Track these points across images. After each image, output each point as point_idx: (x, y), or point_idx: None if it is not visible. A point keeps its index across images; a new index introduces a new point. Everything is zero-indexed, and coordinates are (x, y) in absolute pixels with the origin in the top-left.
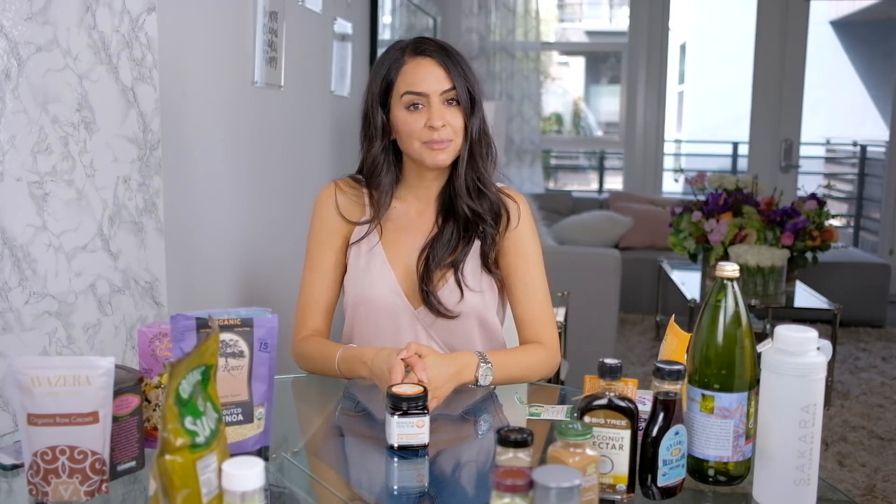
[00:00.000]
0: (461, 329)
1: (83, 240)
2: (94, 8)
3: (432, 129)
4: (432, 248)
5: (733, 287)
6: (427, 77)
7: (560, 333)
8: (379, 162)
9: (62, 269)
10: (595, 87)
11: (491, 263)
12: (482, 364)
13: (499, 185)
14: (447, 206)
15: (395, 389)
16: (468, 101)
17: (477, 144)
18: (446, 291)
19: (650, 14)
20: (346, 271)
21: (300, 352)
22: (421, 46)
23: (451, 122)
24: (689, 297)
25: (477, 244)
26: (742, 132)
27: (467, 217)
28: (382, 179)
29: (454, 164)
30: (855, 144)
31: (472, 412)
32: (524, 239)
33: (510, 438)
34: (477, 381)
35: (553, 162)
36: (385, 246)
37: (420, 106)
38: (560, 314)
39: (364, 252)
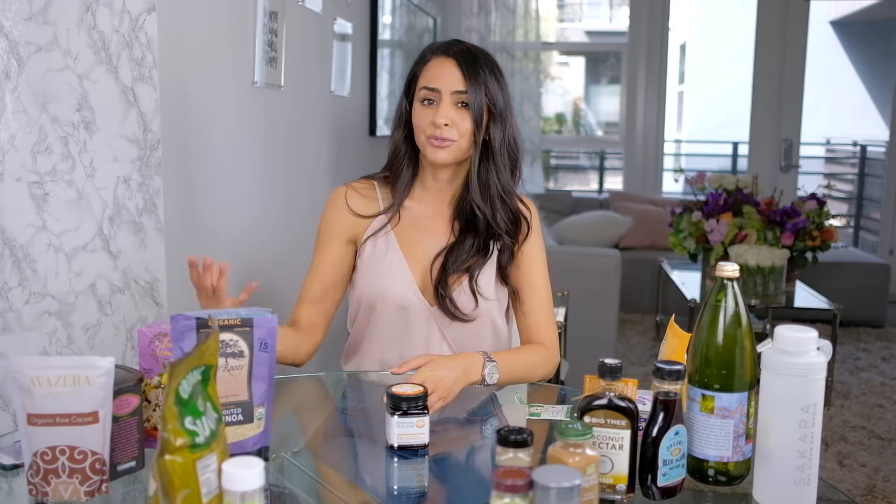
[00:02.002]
0: (474, 330)
1: (83, 240)
2: (94, 8)
3: (435, 125)
4: (450, 254)
5: (733, 287)
6: (443, 75)
7: (560, 333)
8: (401, 151)
9: (62, 269)
10: (595, 87)
11: (507, 276)
12: (488, 363)
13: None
14: (467, 212)
15: (395, 389)
16: (480, 109)
17: (500, 155)
18: (462, 296)
19: (650, 14)
20: (346, 270)
21: None
22: (447, 47)
23: (457, 123)
24: (689, 297)
25: (494, 254)
26: (742, 132)
27: (487, 224)
28: (403, 171)
29: (471, 167)
30: (855, 144)
31: (479, 414)
32: (535, 248)
33: (510, 438)
34: (484, 380)
35: (553, 162)
36: (401, 243)
37: (433, 102)
38: (560, 314)
39: (380, 244)
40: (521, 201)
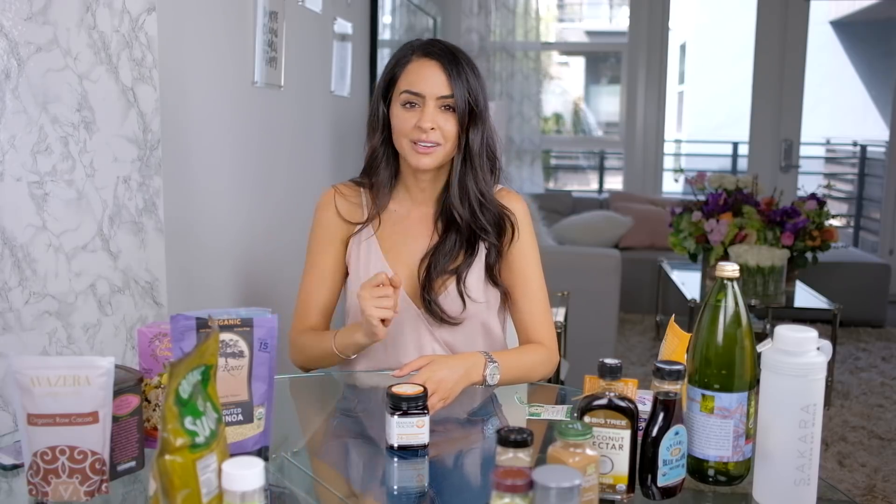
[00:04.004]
0: (464, 330)
1: (83, 240)
2: (94, 8)
3: (420, 129)
4: (434, 256)
5: (733, 287)
6: (428, 79)
7: (560, 333)
8: (378, 154)
9: (62, 269)
10: (595, 87)
11: (496, 275)
12: (489, 363)
13: (497, 186)
14: (448, 212)
15: (395, 389)
16: (465, 111)
17: (478, 157)
18: (448, 299)
19: (650, 14)
20: (346, 274)
21: (296, 345)
22: (429, 48)
23: (442, 127)
24: (689, 297)
25: (481, 254)
26: (742, 132)
27: (469, 225)
28: (381, 173)
29: (451, 170)
30: (855, 144)
31: (479, 414)
32: (525, 246)
33: (510, 438)
34: (485, 380)
35: (553, 162)
36: (385, 249)
37: (416, 105)
38: (560, 314)
39: (363, 248)
40: (505, 207)
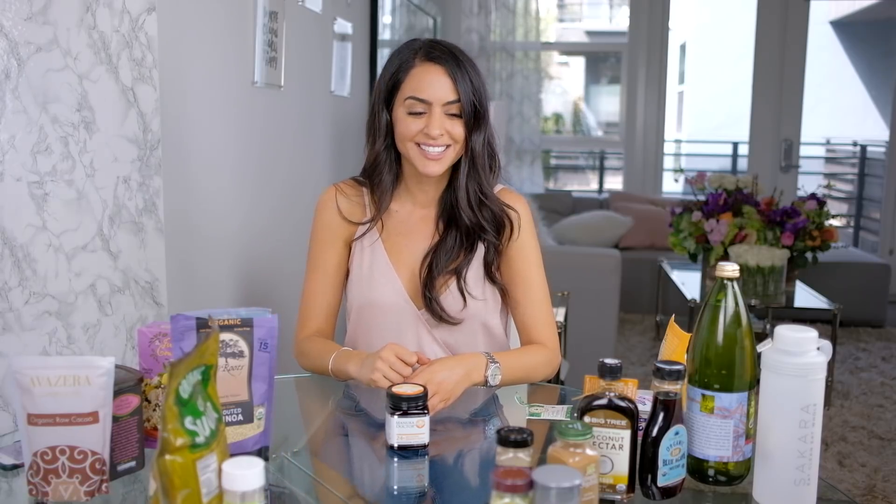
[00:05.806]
0: (464, 331)
1: (83, 240)
2: (94, 8)
3: (428, 136)
4: (435, 255)
5: (733, 287)
6: (433, 85)
7: (560, 333)
8: (381, 159)
9: (62, 269)
10: (595, 87)
11: (494, 273)
12: (491, 364)
13: (499, 186)
14: (449, 212)
15: (395, 389)
16: (471, 115)
17: (480, 157)
18: (448, 298)
19: (650, 14)
20: (348, 273)
21: (301, 350)
22: (433, 52)
23: (450, 132)
24: (689, 297)
25: (480, 252)
26: (742, 132)
27: (469, 225)
28: (384, 177)
29: (455, 171)
30: (855, 144)
31: (480, 414)
32: (526, 245)
33: (510, 438)
34: (486, 381)
35: (553, 162)
36: (388, 250)
37: (422, 112)
38: (560, 314)
39: (367, 251)
40: (508, 203)
